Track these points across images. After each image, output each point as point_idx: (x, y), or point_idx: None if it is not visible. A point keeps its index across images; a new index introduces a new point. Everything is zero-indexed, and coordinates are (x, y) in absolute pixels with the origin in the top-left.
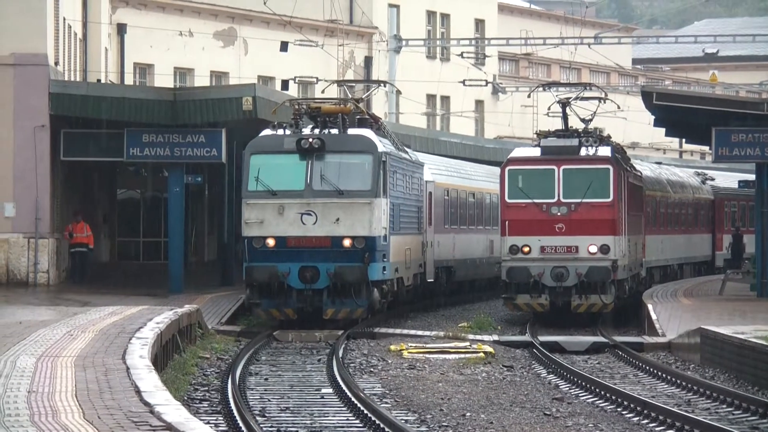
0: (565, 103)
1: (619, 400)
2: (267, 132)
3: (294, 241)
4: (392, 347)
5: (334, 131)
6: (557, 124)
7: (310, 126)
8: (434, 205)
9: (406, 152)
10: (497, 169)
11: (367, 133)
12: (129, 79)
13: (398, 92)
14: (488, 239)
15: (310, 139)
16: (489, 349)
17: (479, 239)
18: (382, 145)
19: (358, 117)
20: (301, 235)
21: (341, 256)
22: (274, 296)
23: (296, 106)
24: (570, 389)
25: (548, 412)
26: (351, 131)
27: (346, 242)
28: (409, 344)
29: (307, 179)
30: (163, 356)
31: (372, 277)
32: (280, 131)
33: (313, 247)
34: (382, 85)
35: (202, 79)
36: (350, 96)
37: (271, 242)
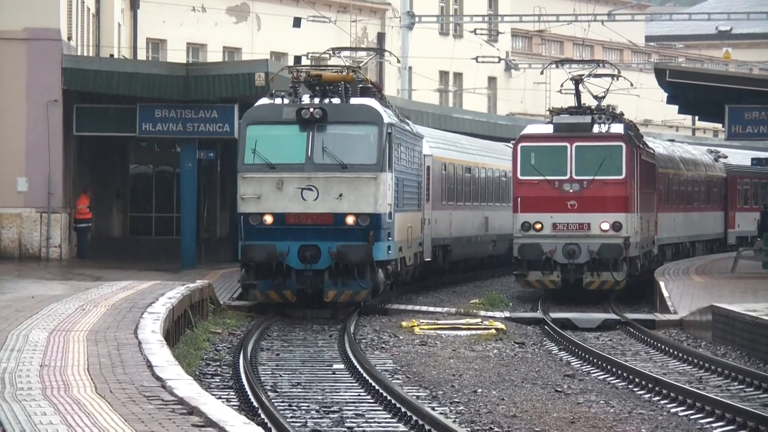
0: (577, 80)
1: (631, 377)
2: (264, 101)
3: (293, 218)
4: (404, 323)
5: (336, 101)
6: (570, 101)
7: (309, 95)
8: (432, 181)
9: (407, 124)
10: (492, 143)
11: (371, 102)
12: (142, 55)
13: (399, 62)
14: (483, 216)
15: (311, 109)
16: (500, 325)
17: (475, 216)
18: (387, 115)
19: (360, 86)
20: (301, 211)
21: (344, 235)
22: (271, 277)
23: (295, 74)
24: (581, 366)
25: (559, 389)
26: (353, 101)
27: (350, 219)
28: (421, 320)
29: (307, 152)
30: (174, 331)
31: (377, 257)
32: (278, 100)
33: (314, 224)
34: (379, 54)
35: (214, 55)
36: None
37: (268, 219)
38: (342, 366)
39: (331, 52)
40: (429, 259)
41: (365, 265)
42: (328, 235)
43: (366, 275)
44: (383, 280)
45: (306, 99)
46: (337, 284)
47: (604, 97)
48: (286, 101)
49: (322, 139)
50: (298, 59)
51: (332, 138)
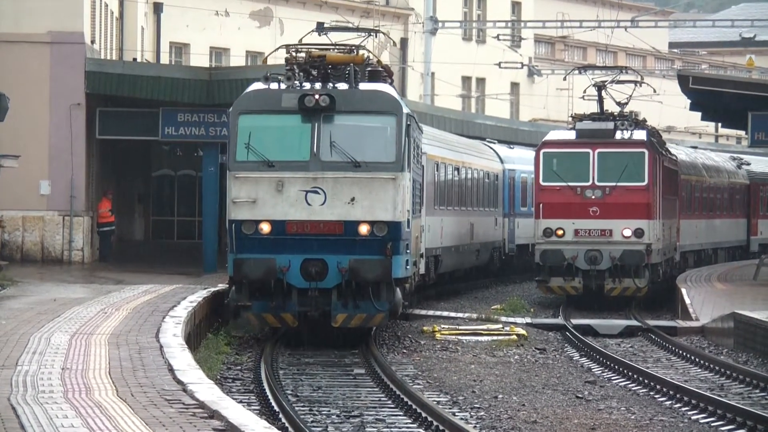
0: (600, 87)
1: (652, 383)
2: (258, 86)
3: (296, 227)
4: (425, 328)
5: (342, 86)
6: (593, 108)
7: (308, 80)
8: (426, 183)
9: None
10: (473, 141)
11: (386, 88)
12: (165, 59)
13: (395, 45)
14: (469, 222)
15: (316, 96)
16: (522, 331)
17: (462, 222)
18: (405, 104)
19: (369, 69)
20: (306, 219)
21: (357, 247)
22: (268, 297)
23: (293, 54)
24: (602, 372)
25: (580, 395)
26: (363, 86)
27: (364, 229)
28: (442, 326)
29: (313, 147)
30: (196, 335)
31: (396, 273)
32: (274, 85)
33: (321, 234)
34: (374, 35)
35: (237, 59)
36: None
37: (265, 228)
38: (363, 371)
39: (316, 32)
40: (423, 272)
41: (382, 284)
42: (338, 248)
43: (382, 295)
44: (401, 300)
45: (306, 84)
46: (347, 306)
47: (626, 104)
48: (283, 86)
49: (329, 132)
50: None
51: (342, 130)
